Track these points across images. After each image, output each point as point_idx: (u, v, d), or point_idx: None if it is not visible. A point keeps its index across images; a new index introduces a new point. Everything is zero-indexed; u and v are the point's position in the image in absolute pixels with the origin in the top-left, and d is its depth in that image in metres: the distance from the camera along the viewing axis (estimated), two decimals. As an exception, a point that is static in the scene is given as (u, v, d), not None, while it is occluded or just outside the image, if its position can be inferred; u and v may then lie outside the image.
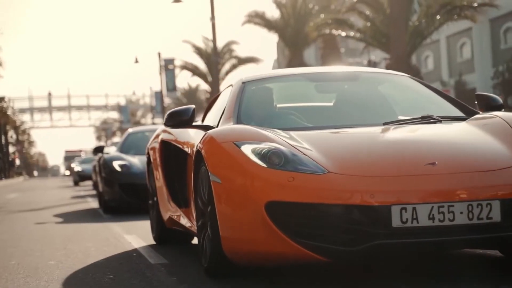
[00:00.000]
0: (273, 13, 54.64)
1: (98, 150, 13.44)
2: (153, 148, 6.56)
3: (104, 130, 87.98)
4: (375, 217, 3.82)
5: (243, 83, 5.41)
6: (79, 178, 32.88)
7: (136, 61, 49.59)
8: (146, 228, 8.47)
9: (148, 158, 6.76)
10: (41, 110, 75.23)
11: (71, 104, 75.80)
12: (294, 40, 34.12)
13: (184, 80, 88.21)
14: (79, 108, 76.71)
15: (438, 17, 24.56)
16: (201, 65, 41.49)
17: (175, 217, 5.95)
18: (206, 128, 5.20)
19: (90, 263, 5.68)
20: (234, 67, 40.71)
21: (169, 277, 4.82)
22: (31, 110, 74.80)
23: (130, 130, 14.04)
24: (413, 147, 4.26)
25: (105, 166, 11.90)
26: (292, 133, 4.53)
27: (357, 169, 4.00)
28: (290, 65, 33.41)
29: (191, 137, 5.50)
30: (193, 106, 5.38)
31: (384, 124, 4.77)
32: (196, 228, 4.97)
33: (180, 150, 5.76)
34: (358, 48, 35.05)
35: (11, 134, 66.39)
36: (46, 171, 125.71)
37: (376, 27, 25.31)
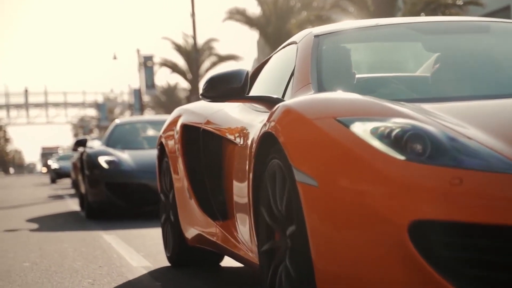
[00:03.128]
0: (255, 10, 54.46)
1: (80, 143, 11.51)
2: (169, 137, 4.82)
3: (82, 128, 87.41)
4: None
5: (316, 36, 3.74)
6: (56, 175, 32.56)
7: (115, 58, 49.17)
8: (127, 228, 8.14)
9: (161, 150, 5.06)
10: (18, 106, 74.76)
11: (48, 101, 75.47)
12: (276, 38, 33.86)
13: (163, 78, 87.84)
14: (56, 105, 76.45)
15: (422, 15, 24.41)
16: (181, 62, 41.25)
17: (206, 233, 4.31)
18: (270, 100, 3.56)
19: (67, 265, 5.31)
20: (214, 64, 40.56)
21: (153, 281, 4.50)
22: (7, 106, 74.29)
23: (117, 121, 12.45)
24: None
25: (89, 162, 10.26)
26: (424, 105, 2.86)
27: None
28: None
29: (234, 117, 4.00)
30: (246, 69, 3.74)
31: None
32: (250, 252, 3.49)
33: (216, 137, 4.17)
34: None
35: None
36: (22, 168, 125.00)
37: (360, 25, 25.12)
